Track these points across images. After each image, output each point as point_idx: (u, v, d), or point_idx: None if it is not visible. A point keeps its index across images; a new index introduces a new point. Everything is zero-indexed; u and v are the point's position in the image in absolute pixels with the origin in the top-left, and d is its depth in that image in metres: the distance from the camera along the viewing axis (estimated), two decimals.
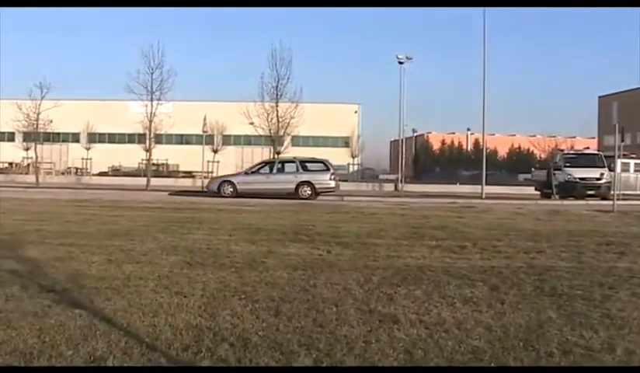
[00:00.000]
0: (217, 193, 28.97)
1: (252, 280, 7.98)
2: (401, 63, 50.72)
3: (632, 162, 42.25)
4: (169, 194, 30.70)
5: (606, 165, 33.29)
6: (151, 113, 37.56)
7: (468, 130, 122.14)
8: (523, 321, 6.23)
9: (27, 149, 48.49)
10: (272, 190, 28.55)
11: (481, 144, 48.21)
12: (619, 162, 31.49)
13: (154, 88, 37.09)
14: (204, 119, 54.67)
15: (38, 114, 39.81)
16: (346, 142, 67.11)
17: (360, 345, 5.33)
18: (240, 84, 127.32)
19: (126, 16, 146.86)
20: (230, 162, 50.95)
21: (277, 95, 38.96)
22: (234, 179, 30.23)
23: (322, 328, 5.84)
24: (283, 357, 5.03)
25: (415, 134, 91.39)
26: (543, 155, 41.19)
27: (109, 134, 69.59)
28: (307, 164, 30.76)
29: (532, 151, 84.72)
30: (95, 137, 65.49)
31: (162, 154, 55.96)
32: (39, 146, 42.21)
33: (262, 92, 39.78)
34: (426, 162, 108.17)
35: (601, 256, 10.84)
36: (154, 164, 48.00)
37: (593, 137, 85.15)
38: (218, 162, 52.53)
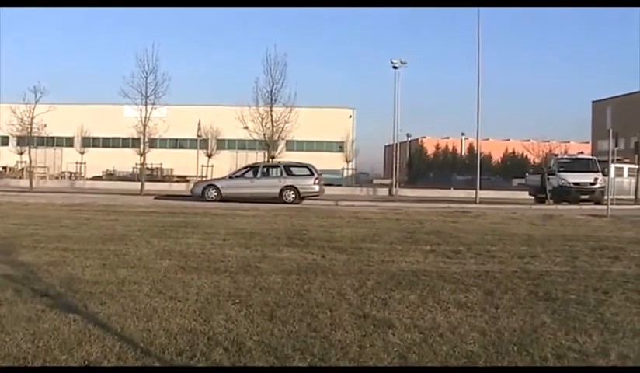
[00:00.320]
0: (202, 197, 28.99)
1: (246, 285, 7.98)
2: (395, 68, 50.63)
3: (626, 166, 42.34)
4: (155, 198, 30.61)
5: (600, 169, 33.34)
6: (145, 117, 37.43)
7: (462, 134, 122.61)
8: (518, 325, 6.25)
9: (21, 153, 48.28)
10: (256, 195, 28.57)
11: (475, 148, 48.37)
12: (613, 166, 31.55)
13: (148, 93, 37.00)
14: (199, 123, 54.84)
15: (32, 118, 39.66)
16: (340, 147, 67.01)
17: (355, 350, 5.33)
18: (234, 88, 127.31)
19: (121, 20, 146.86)
20: (224, 166, 50.72)
21: (272, 99, 38.90)
22: (218, 184, 30.19)
23: (317, 332, 5.84)
24: (277, 361, 5.04)
25: (410, 139, 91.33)
26: (537, 160, 41.09)
27: (104, 138, 69.40)
28: (291, 168, 30.76)
29: (526, 156, 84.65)
30: (89, 142, 65.24)
31: (156, 158, 55.75)
32: (33, 150, 42.09)
33: (256, 96, 39.73)
34: (420, 166, 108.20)
35: (595, 260, 10.87)
36: (148, 168, 47.86)
37: (587, 142, 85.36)
38: (212, 166, 52.43)
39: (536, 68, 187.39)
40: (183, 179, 54.37)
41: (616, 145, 30.73)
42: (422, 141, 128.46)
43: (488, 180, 65.00)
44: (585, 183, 32.51)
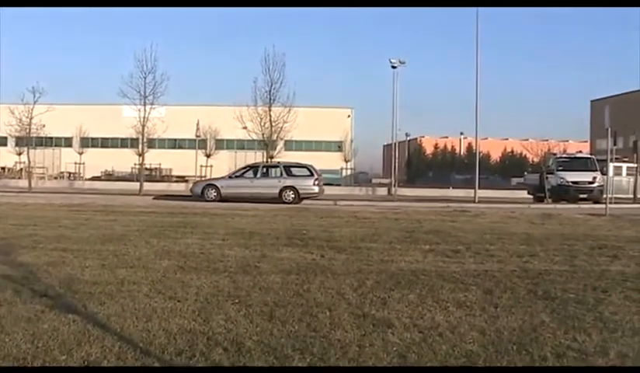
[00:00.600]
0: (201, 197, 28.99)
1: (245, 285, 7.98)
2: (394, 67, 50.66)
3: (624, 165, 42.35)
4: (154, 198, 30.60)
5: (598, 168, 33.33)
6: (143, 117, 37.40)
7: (461, 134, 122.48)
8: (517, 325, 6.25)
9: (20, 154, 48.29)
10: (255, 195, 28.56)
11: (474, 148, 48.33)
12: (611, 165, 31.55)
13: (147, 93, 36.97)
14: (197, 123, 54.82)
15: (30, 119, 39.65)
16: (339, 146, 66.99)
17: (354, 349, 5.34)
18: (233, 88, 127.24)
19: (119, 21, 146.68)
20: (223, 166, 50.73)
21: (270, 99, 38.90)
22: (217, 183, 30.16)
23: (316, 332, 5.84)
24: (277, 361, 5.04)
25: (409, 139, 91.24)
26: (536, 159, 41.06)
27: (102, 139, 69.36)
28: (291, 169, 30.75)
29: (525, 155, 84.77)
30: (87, 142, 65.17)
31: (155, 158, 55.77)
32: (31, 151, 42.08)
33: (255, 96, 39.73)
34: (419, 166, 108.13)
35: (594, 259, 10.87)
36: (146, 168, 47.85)
37: (586, 141, 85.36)
38: (211, 166, 52.46)
39: (535, 68, 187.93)
40: (182, 179, 54.36)
41: (614, 144, 30.71)
42: (420, 141, 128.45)
43: (486, 179, 65.04)
44: (583, 182, 32.50)
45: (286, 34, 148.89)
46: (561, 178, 32.78)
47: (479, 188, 37.14)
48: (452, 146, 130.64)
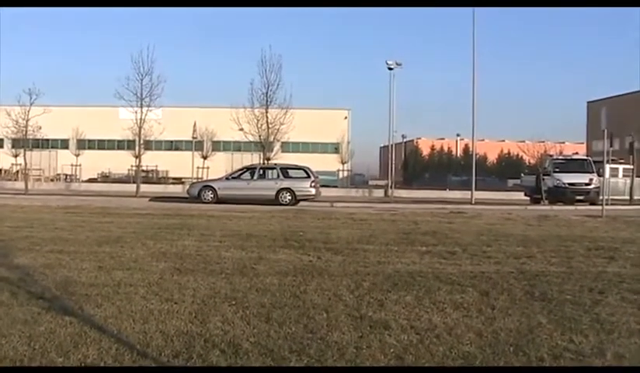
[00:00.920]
0: (198, 199, 28.98)
1: (242, 287, 7.98)
2: (390, 69, 50.72)
3: (621, 167, 42.36)
4: (150, 200, 30.58)
5: (595, 170, 33.39)
6: (140, 119, 37.34)
7: (458, 135, 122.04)
8: (514, 326, 6.26)
9: (16, 156, 48.21)
10: (252, 196, 28.55)
11: (470, 149, 48.43)
12: (608, 167, 31.62)
13: (143, 95, 36.88)
14: (194, 125, 54.72)
15: (27, 120, 39.52)
16: (335, 148, 67.02)
17: (351, 351, 5.34)
18: (230, 90, 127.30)
19: (116, 22, 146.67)
20: (220, 168, 50.64)
21: (267, 101, 38.80)
22: (214, 185, 30.15)
23: (313, 334, 5.84)
24: (274, 363, 5.04)
25: (405, 140, 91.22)
26: (532, 161, 41.09)
27: (99, 141, 69.37)
28: (288, 171, 30.76)
29: (521, 157, 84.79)
30: (84, 144, 65.19)
31: (152, 160, 55.77)
32: (28, 152, 41.92)
33: (251, 98, 39.65)
34: (415, 167, 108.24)
35: (591, 260, 10.89)
36: (143, 170, 47.75)
37: (582, 143, 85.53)
38: (208, 168, 52.39)
39: (531, 69, 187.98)
40: (179, 180, 54.26)
41: (611, 146, 30.72)
42: (417, 142, 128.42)
43: (483, 181, 64.96)
44: (580, 184, 32.55)
45: (283, 35, 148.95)
46: (558, 179, 32.83)
47: (476, 189, 37.22)
48: (448, 147, 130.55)
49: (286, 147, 52.68)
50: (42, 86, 52.97)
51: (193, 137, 55.15)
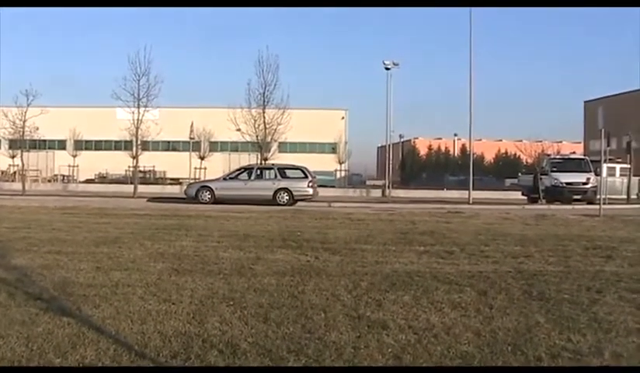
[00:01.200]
0: (195, 199, 28.98)
1: (240, 287, 7.98)
2: (387, 69, 50.73)
3: (618, 166, 42.40)
4: (148, 201, 30.57)
5: (592, 169, 33.38)
6: (137, 119, 37.25)
7: (455, 135, 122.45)
8: (512, 325, 6.26)
9: (13, 157, 48.13)
10: (250, 196, 28.56)
11: (468, 149, 48.41)
12: (605, 166, 31.64)
13: (140, 95, 36.75)
14: (191, 125, 54.72)
15: (24, 121, 39.45)
16: (333, 148, 66.94)
17: (349, 351, 5.34)
18: (227, 90, 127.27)
19: (113, 22, 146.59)
20: (217, 168, 50.49)
21: (264, 101, 38.78)
22: (212, 185, 30.14)
23: (311, 334, 5.84)
24: (272, 363, 5.05)
25: (402, 140, 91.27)
26: (529, 160, 41.09)
27: (96, 141, 69.32)
28: (285, 171, 30.75)
29: (519, 156, 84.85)
30: (81, 144, 65.08)
31: (149, 161, 55.63)
32: (25, 153, 41.86)
33: (249, 98, 39.63)
34: (413, 167, 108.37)
35: (588, 260, 10.90)
36: (141, 171, 47.70)
37: (579, 142, 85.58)
38: (205, 168, 52.32)
39: (528, 69, 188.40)
40: (176, 181, 54.22)
41: (608, 145, 30.78)
42: (414, 142, 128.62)
43: (480, 181, 65.06)
44: (577, 183, 32.57)
45: (280, 36, 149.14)
46: (555, 179, 32.85)
47: (473, 189, 37.20)
48: (446, 147, 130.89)
49: (284, 147, 52.61)
50: (39, 87, 53.09)
51: (191, 138, 55.14)
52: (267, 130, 38.65)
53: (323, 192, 36.31)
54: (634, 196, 38.35)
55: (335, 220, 19.22)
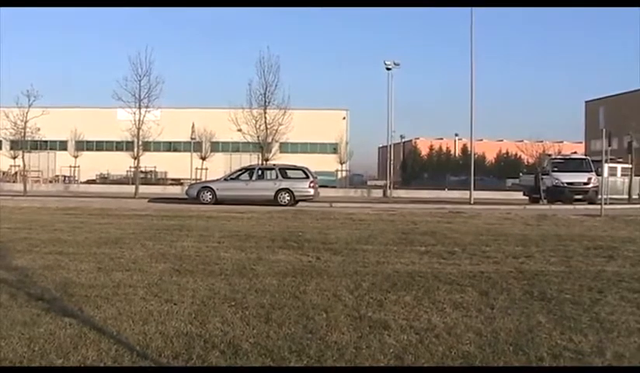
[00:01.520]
0: (197, 200, 29.00)
1: (241, 287, 7.97)
2: (388, 69, 50.73)
3: (619, 166, 42.43)
4: (149, 201, 30.59)
5: (593, 169, 33.37)
6: (138, 120, 37.31)
7: (456, 135, 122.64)
8: (513, 325, 6.26)
9: (15, 157, 48.21)
10: (251, 197, 28.60)
11: (469, 149, 48.41)
12: (606, 166, 31.64)
13: (142, 96, 36.86)
14: (192, 126, 54.70)
15: (25, 122, 39.53)
16: (334, 148, 66.99)
17: (351, 351, 5.34)
18: (228, 91, 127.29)
19: (114, 23, 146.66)
20: (218, 168, 50.60)
21: (265, 101, 38.87)
22: (213, 186, 30.18)
23: (313, 334, 5.84)
24: (273, 363, 5.04)
25: (403, 140, 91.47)
26: (531, 160, 41.17)
27: (97, 142, 69.43)
28: (286, 171, 30.77)
29: (520, 157, 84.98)
30: (82, 145, 65.23)
31: (150, 161, 55.76)
32: (26, 154, 41.93)
33: (250, 98, 39.75)
34: (414, 167, 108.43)
35: (590, 260, 10.90)
36: (142, 171, 47.80)
37: (581, 142, 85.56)
38: (207, 168, 52.37)
39: (529, 69, 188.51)
40: (177, 181, 54.30)
41: (609, 145, 30.75)
42: (415, 142, 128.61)
43: (482, 181, 65.05)
44: (578, 183, 32.56)
45: (282, 36, 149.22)
46: (556, 179, 32.85)
47: (474, 189, 37.24)
48: (447, 147, 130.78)
49: (285, 147, 52.66)
50: (40, 88, 53.09)
51: (192, 138, 55.15)
52: (268, 131, 38.71)
53: (324, 192, 36.33)
54: (636, 196, 38.36)
55: (336, 220, 19.22)
